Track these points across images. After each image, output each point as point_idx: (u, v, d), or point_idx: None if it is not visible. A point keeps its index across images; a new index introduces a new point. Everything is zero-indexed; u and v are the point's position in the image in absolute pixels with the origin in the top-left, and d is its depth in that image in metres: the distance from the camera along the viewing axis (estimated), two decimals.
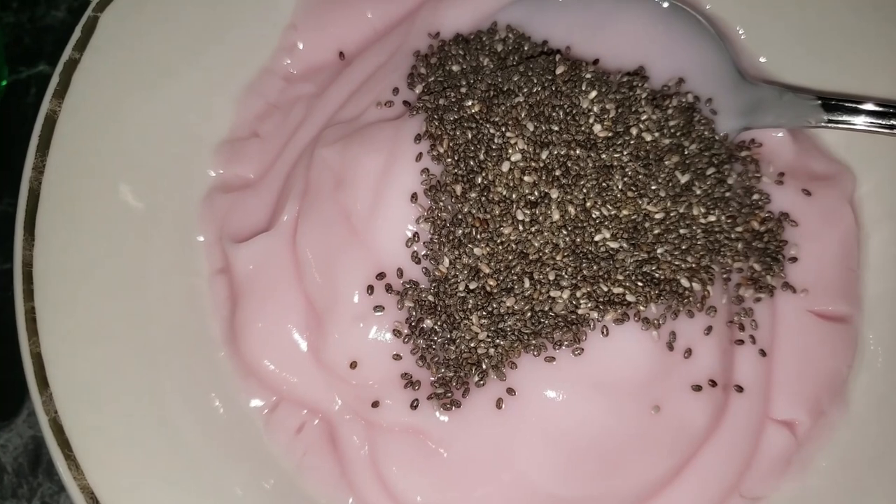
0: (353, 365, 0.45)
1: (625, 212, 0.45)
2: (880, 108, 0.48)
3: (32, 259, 0.42)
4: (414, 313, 0.45)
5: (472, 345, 0.44)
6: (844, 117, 0.49)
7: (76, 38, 0.46)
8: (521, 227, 0.44)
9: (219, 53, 0.52)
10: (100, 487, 0.39)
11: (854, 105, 0.48)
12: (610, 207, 0.45)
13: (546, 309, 0.44)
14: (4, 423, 0.57)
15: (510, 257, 0.45)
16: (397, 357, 0.45)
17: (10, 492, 0.56)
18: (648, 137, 0.47)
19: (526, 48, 0.51)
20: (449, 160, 0.45)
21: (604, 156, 0.46)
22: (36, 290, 0.42)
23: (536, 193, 0.45)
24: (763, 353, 0.47)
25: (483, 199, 0.45)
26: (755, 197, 0.49)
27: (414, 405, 0.44)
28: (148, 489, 0.42)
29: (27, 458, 0.57)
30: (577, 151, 0.45)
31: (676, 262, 0.45)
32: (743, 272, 0.48)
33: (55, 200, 0.44)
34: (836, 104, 0.49)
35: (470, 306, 0.44)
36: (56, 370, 0.41)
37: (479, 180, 0.45)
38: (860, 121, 0.48)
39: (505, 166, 0.45)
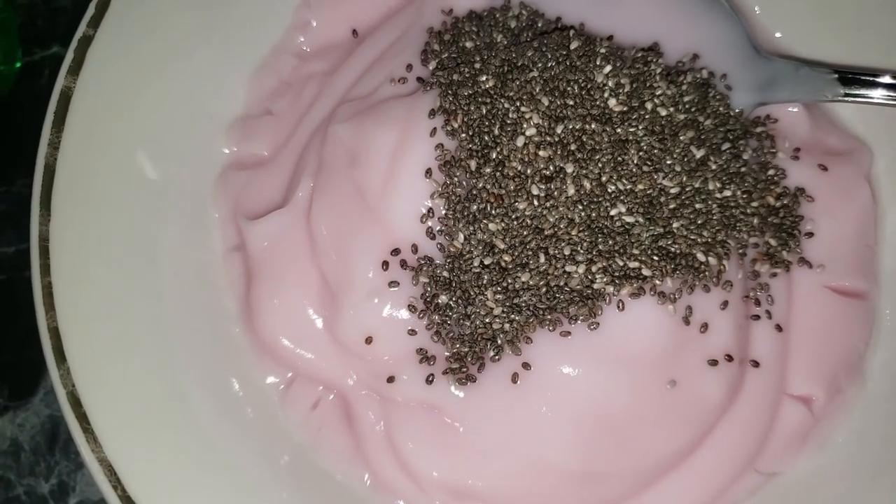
0: (369, 340, 0.45)
1: (640, 186, 0.45)
2: None
3: (49, 234, 0.42)
4: (429, 289, 0.45)
5: (488, 320, 0.44)
6: (861, 91, 0.48)
7: (90, 15, 0.46)
8: (536, 202, 0.44)
9: (232, 31, 0.52)
10: (117, 460, 0.40)
11: (871, 78, 0.48)
12: (625, 182, 0.45)
13: (561, 284, 0.44)
14: (21, 402, 0.58)
15: (525, 232, 0.44)
16: (412, 332, 0.45)
17: (27, 470, 0.57)
18: (663, 112, 0.47)
19: (539, 24, 0.51)
20: (463, 135, 0.45)
21: (619, 130, 0.45)
22: (52, 265, 0.42)
23: (551, 168, 0.45)
24: (779, 328, 0.47)
25: (498, 174, 0.45)
26: (771, 172, 0.49)
27: (429, 380, 0.44)
28: (164, 462, 0.43)
29: (44, 437, 0.57)
30: (593, 126, 0.45)
31: (692, 237, 0.45)
32: (759, 247, 0.47)
33: (70, 176, 0.44)
34: (852, 77, 0.48)
35: (485, 282, 0.44)
36: (73, 344, 0.41)
37: (494, 155, 0.45)
38: (877, 94, 0.48)
39: (520, 141, 0.45)
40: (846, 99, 0.48)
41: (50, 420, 0.58)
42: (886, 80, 0.48)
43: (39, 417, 0.58)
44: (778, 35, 0.55)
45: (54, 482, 0.56)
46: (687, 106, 0.47)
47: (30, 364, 0.59)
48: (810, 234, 0.49)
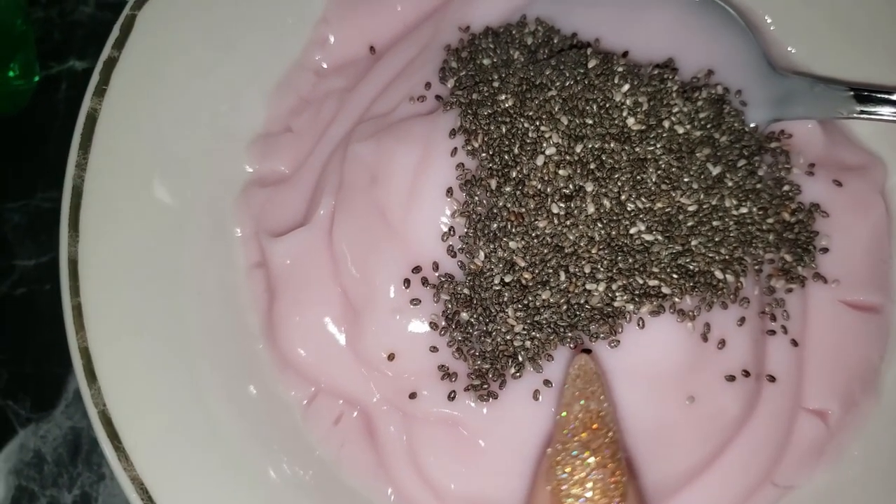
0: (391, 357, 0.46)
1: (659, 204, 0.46)
2: None
3: (77, 255, 0.43)
4: (450, 306, 0.45)
5: (509, 337, 0.45)
6: (877, 108, 0.49)
7: (115, 37, 0.47)
8: (556, 221, 0.45)
9: (251, 49, 0.52)
10: (148, 477, 0.40)
11: (886, 96, 0.48)
12: (644, 200, 0.45)
13: (582, 302, 0.44)
14: (44, 413, 0.59)
15: (545, 250, 0.45)
16: (434, 349, 0.45)
17: (50, 481, 0.58)
18: (680, 130, 0.47)
19: (556, 41, 0.51)
20: (484, 154, 0.46)
21: (637, 149, 0.46)
22: (82, 286, 0.43)
23: (571, 187, 0.45)
24: (795, 343, 0.47)
25: (518, 192, 0.45)
26: (786, 188, 0.50)
27: (451, 396, 0.45)
28: (192, 478, 0.43)
29: (66, 449, 0.58)
30: (612, 145, 0.46)
31: (710, 254, 0.45)
32: (774, 263, 0.48)
33: (97, 197, 0.45)
34: (868, 95, 0.49)
35: (506, 299, 0.45)
36: (103, 364, 0.42)
37: (514, 174, 0.45)
38: (893, 111, 0.48)
39: (539, 160, 0.45)
40: (861, 116, 0.49)
41: (72, 432, 0.58)
42: None
43: (62, 429, 0.59)
44: (792, 50, 0.55)
45: (77, 493, 0.57)
46: (702, 122, 0.48)
47: (51, 377, 0.59)
48: (825, 250, 0.49)
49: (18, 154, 0.64)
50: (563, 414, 0.38)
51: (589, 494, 0.34)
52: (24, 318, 0.61)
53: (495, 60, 0.50)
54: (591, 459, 0.35)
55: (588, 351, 0.43)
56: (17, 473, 0.58)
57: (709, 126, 0.48)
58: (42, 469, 0.58)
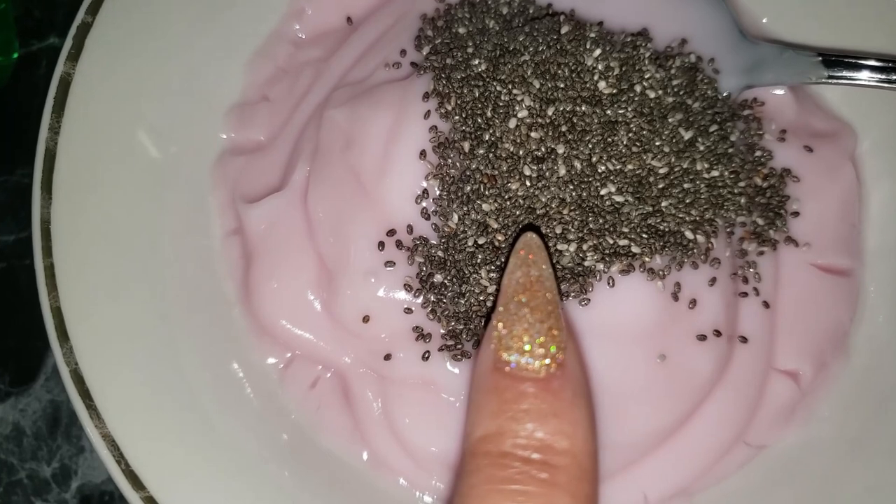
0: (366, 319, 0.46)
1: (630, 166, 0.46)
2: (880, 63, 0.49)
3: (50, 217, 0.43)
4: (424, 268, 0.46)
5: (482, 298, 0.45)
6: (845, 73, 0.49)
7: (88, 3, 0.47)
8: (528, 183, 0.45)
9: (229, 18, 0.53)
10: (120, 436, 0.41)
11: (854, 60, 0.49)
12: (615, 162, 0.46)
13: (553, 262, 0.45)
14: (23, 388, 0.59)
15: (518, 212, 0.45)
16: (408, 311, 0.46)
17: (30, 454, 0.58)
18: (652, 94, 0.48)
19: (531, 11, 0.52)
20: (457, 117, 0.46)
21: (608, 112, 0.47)
22: (54, 247, 0.43)
23: (543, 149, 0.46)
24: (766, 304, 0.48)
25: (491, 155, 0.46)
26: (758, 154, 0.50)
27: (425, 357, 0.45)
28: (165, 439, 0.44)
29: (46, 422, 0.58)
30: (583, 108, 0.46)
31: (680, 216, 0.46)
32: (746, 226, 0.49)
33: (71, 160, 0.45)
34: (836, 60, 0.49)
35: (479, 261, 0.45)
36: (75, 324, 0.42)
37: (487, 137, 0.46)
38: (861, 76, 0.49)
39: (512, 123, 0.46)
40: (830, 81, 0.49)
41: (51, 405, 0.58)
42: (870, 62, 0.49)
43: (41, 402, 0.59)
44: (764, 20, 0.56)
45: (56, 466, 0.57)
46: (676, 89, 0.48)
47: (31, 351, 0.59)
48: (796, 214, 0.50)
49: None
50: (505, 281, 0.38)
51: (527, 347, 0.35)
52: (4, 293, 0.61)
53: (471, 29, 0.51)
54: (530, 316, 0.36)
55: (534, 227, 0.43)
56: None
57: (682, 93, 0.49)
58: (21, 442, 0.58)
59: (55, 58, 0.64)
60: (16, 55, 0.64)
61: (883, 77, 0.49)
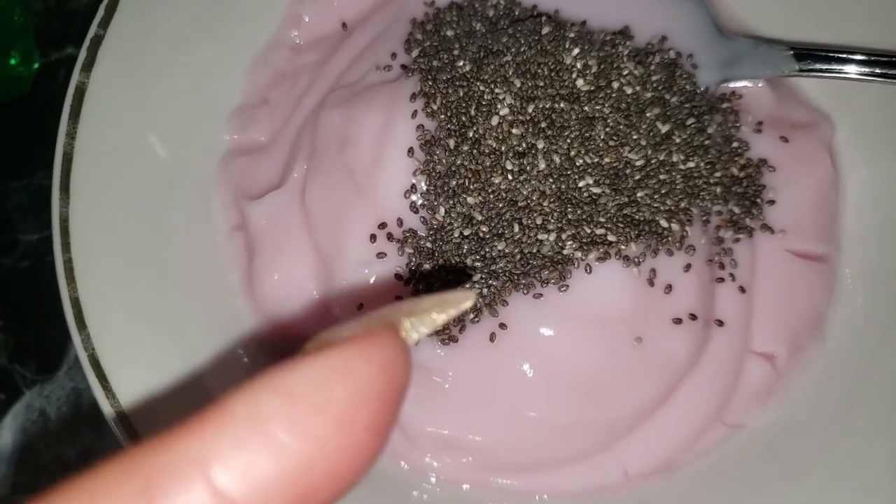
0: (360, 307, 0.49)
1: (607, 159, 0.48)
2: (850, 56, 0.50)
3: (69, 215, 0.47)
4: (413, 259, 0.49)
5: (467, 286, 0.48)
6: (816, 65, 0.51)
7: (100, 17, 0.50)
8: (510, 177, 0.48)
9: (230, 27, 0.56)
10: (132, 414, 0.44)
11: (824, 53, 0.51)
12: (593, 156, 0.48)
13: (534, 251, 0.47)
14: (47, 376, 0.63)
15: (501, 205, 0.48)
16: (399, 299, 0.49)
17: (54, 438, 0.62)
18: (629, 91, 0.50)
19: (517, 13, 0.54)
20: (442, 116, 0.49)
21: (586, 108, 0.49)
22: (72, 242, 0.46)
23: (524, 145, 0.48)
24: (742, 289, 0.50)
25: (474, 151, 0.48)
26: (735, 145, 0.52)
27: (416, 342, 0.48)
28: (173, 417, 0.47)
29: (69, 408, 0.62)
30: (562, 105, 0.49)
31: (656, 205, 0.48)
32: (722, 215, 0.51)
33: (87, 163, 0.49)
34: (807, 53, 0.51)
35: (465, 251, 0.48)
36: (92, 312, 0.46)
37: (471, 134, 0.48)
38: (832, 68, 0.51)
39: (494, 120, 0.48)
40: (801, 73, 0.51)
41: (74, 392, 0.62)
42: (839, 55, 0.51)
43: (64, 390, 0.63)
44: (742, 16, 0.58)
45: (79, 448, 0.61)
46: (655, 85, 0.51)
47: (54, 342, 0.63)
48: (772, 202, 0.52)
49: (20, 136, 0.68)
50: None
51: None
52: (29, 289, 0.65)
53: (458, 32, 0.53)
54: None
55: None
56: (24, 431, 0.62)
57: (661, 88, 0.51)
58: (47, 427, 0.62)
59: (72, 66, 0.68)
60: (36, 65, 0.68)
61: (854, 69, 0.51)
